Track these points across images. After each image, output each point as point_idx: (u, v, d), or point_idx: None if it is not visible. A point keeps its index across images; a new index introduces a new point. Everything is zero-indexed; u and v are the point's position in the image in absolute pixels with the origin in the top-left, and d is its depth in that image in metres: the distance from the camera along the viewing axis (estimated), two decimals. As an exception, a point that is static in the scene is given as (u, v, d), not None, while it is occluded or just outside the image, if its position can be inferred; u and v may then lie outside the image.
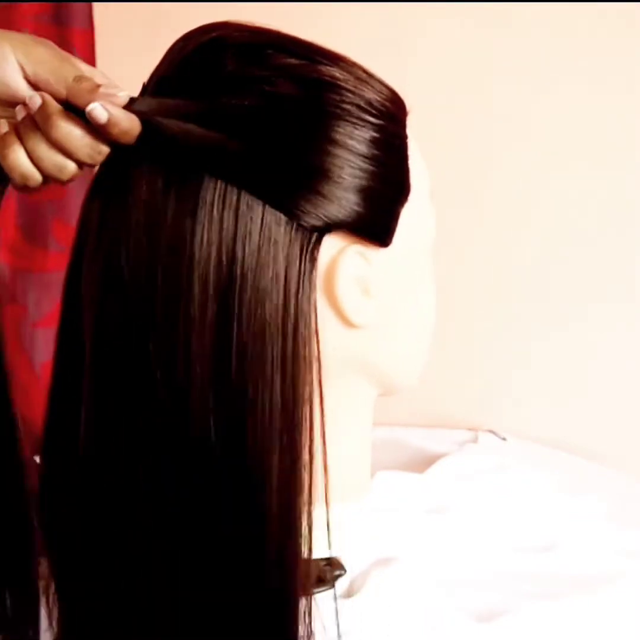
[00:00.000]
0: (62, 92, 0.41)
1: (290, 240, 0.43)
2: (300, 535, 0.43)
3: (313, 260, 0.44)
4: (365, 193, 0.44)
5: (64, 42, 1.06)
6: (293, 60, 0.44)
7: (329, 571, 0.49)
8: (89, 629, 0.45)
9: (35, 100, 0.41)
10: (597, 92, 0.93)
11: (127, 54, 0.95)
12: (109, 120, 0.40)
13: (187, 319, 0.42)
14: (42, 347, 1.05)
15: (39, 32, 1.03)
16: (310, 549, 0.43)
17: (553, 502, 0.67)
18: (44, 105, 0.41)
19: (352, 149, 0.44)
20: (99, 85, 0.41)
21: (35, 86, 0.42)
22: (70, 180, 0.43)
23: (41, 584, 0.48)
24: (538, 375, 1.03)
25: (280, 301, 0.42)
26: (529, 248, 1.00)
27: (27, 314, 1.05)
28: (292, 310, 0.43)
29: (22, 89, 0.42)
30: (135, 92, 0.46)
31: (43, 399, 0.47)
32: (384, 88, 0.47)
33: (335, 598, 0.45)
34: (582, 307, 0.99)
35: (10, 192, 0.44)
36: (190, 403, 0.42)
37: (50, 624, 0.47)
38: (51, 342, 0.47)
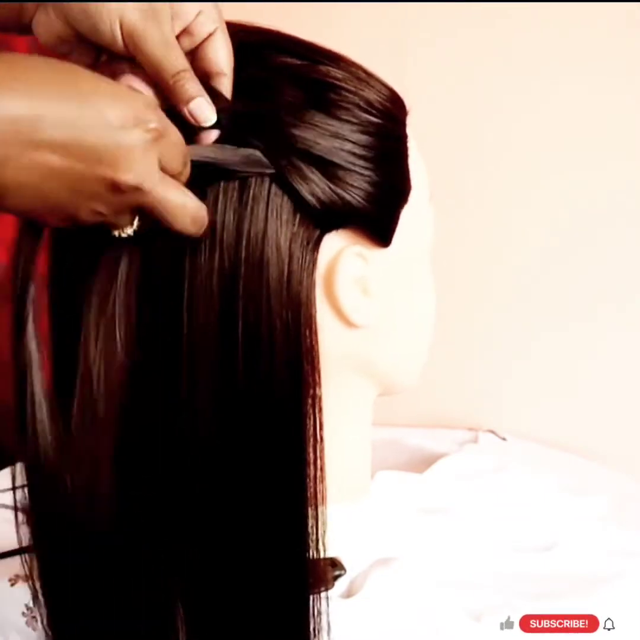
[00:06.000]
0: (164, 81, 0.40)
1: (291, 238, 0.43)
2: (306, 535, 0.43)
3: (314, 260, 0.44)
4: (365, 192, 0.45)
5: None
6: (293, 61, 0.44)
7: (329, 571, 0.49)
8: (81, 631, 0.45)
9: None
10: (599, 92, 0.93)
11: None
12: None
13: (191, 316, 0.42)
14: (41, 347, 1.05)
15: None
16: (317, 549, 0.44)
17: (553, 502, 0.67)
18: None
19: (352, 149, 0.44)
20: (199, 94, 0.40)
21: (127, 52, 0.40)
22: None
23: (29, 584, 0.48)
24: (538, 375, 1.03)
25: (282, 301, 0.42)
26: (529, 248, 1.00)
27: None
28: (293, 310, 0.43)
29: (117, 43, 0.39)
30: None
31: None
32: (383, 88, 0.47)
33: (327, 599, 0.45)
34: (583, 307, 0.99)
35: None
36: (194, 403, 0.42)
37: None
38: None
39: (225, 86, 0.42)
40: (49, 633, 0.45)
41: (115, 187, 0.36)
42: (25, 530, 0.46)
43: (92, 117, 0.35)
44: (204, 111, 0.40)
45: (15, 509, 0.45)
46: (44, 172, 0.35)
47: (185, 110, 0.40)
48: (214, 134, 0.41)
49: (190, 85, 0.40)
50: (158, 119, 0.37)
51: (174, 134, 0.38)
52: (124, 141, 0.35)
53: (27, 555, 0.46)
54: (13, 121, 0.33)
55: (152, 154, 0.37)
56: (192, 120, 0.40)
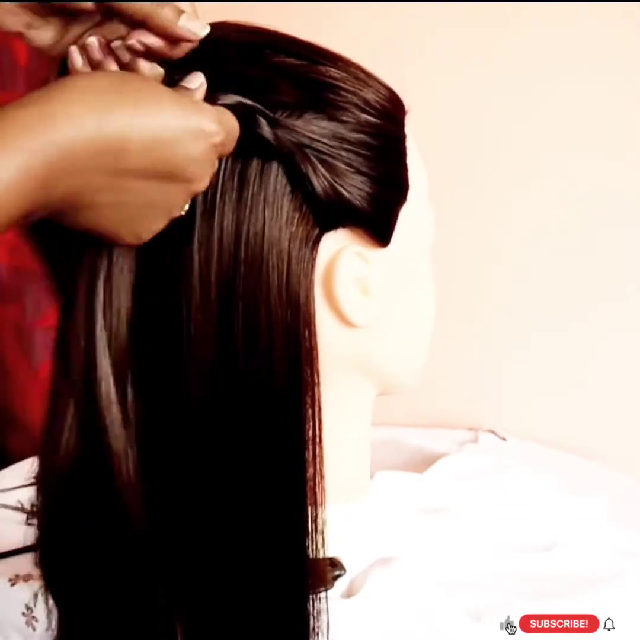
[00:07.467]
0: (139, 13, 0.39)
1: (290, 238, 0.43)
2: (306, 534, 0.43)
3: (313, 260, 0.44)
4: (364, 191, 0.45)
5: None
6: (291, 61, 0.44)
7: (329, 571, 0.49)
8: (88, 631, 0.45)
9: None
10: (598, 92, 0.93)
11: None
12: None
13: (189, 316, 0.42)
14: (40, 347, 1.05)
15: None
16: (316, 549, 0.44)
17: (553, 502, 0.67)
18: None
19: (351, 148, 0.44)
20: (181, 12, 0.39)
21: (96, 9, 0.39)
22: None
23: (40, 584, 0.48)
24: (538, 375, 1.03)
25: (282, 301, 0.42)
26: (530, 248, 1.00)
27: (25, 314, 1.05)
28: (292, 310, 0.43)
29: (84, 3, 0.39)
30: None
31: (42, 399, 0.47)
32: (382, 88, 0.47)
33: (327, 599, 0.45)
34: (582, 307, 0.99)
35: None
36: (193, 403, 0.42)
37: (49, 625, 0.47)
38: (50, 342, 0.47)
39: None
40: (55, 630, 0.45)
41: (190, 196, 0.40)
42: (25, 530, 0.47)
43: (169, 138, 0.37)
44: (191, 24, 0.39)
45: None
46: (121, 195, 0.37)
47: (177, 33, 0.39)
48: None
49: (168, 9, 0.39)
50: (220, 126, 0.38)
51: (233, 130, 0.40)
52: (197, 156, 0.38)
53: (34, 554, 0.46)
54: (98, 152, 0.35)
55: (215, 157, 0.40)
56: (189, 36, 0.39)
